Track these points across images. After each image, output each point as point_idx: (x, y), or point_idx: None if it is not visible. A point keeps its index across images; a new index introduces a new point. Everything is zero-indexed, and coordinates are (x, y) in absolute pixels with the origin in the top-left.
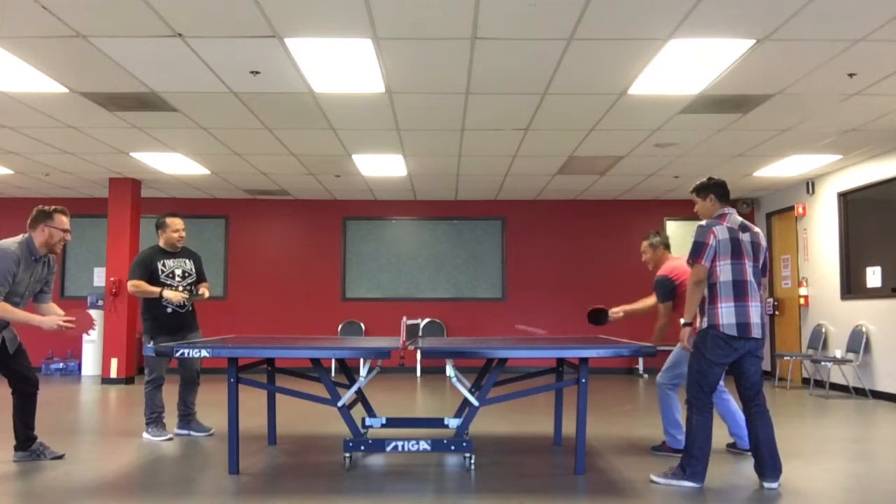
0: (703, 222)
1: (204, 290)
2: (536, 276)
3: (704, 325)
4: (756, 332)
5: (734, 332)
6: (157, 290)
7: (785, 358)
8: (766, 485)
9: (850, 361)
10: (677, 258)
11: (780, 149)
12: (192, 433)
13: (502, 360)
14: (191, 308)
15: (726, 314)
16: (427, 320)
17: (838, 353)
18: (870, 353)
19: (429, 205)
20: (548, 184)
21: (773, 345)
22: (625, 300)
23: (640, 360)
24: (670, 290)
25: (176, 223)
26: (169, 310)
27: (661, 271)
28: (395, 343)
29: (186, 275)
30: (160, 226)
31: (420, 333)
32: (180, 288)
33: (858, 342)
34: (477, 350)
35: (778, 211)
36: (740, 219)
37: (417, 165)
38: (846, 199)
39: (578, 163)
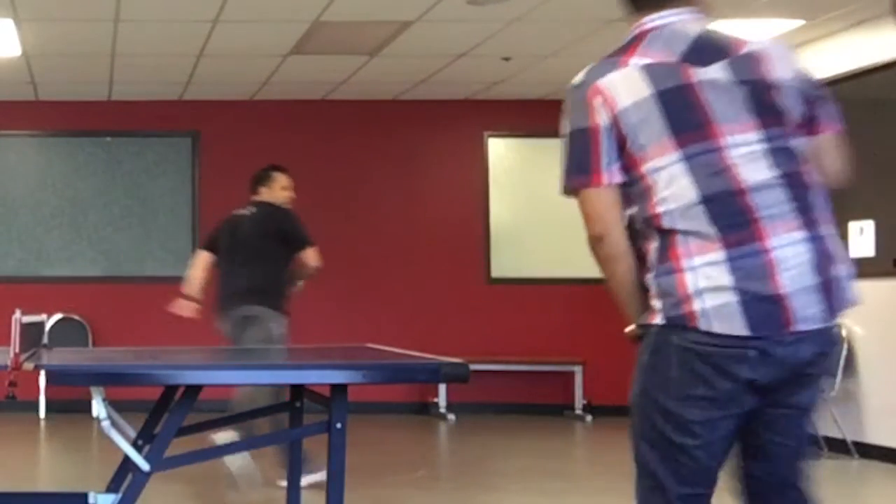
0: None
1: None
2: None
3: (649, 320)
4: (805, 315)
5: (737, 326)
6: None
7: None
8: None
9: None
10: None
11: None
12: None
13: (193, 389)
14: None
15: (706, 282)
16: (58, 317)
17: None
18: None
19: (61, 109)
20: (275, 71)
21: None
22: (420, 270)
23: (442, 390)
24: None
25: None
26: None
27: None
28: None
29: None
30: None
31: (45, 340)
32: None
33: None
34: (147, 371)
35: None
36: (696, 26)
37: (41, 38)
38: None
39: (330, 32)
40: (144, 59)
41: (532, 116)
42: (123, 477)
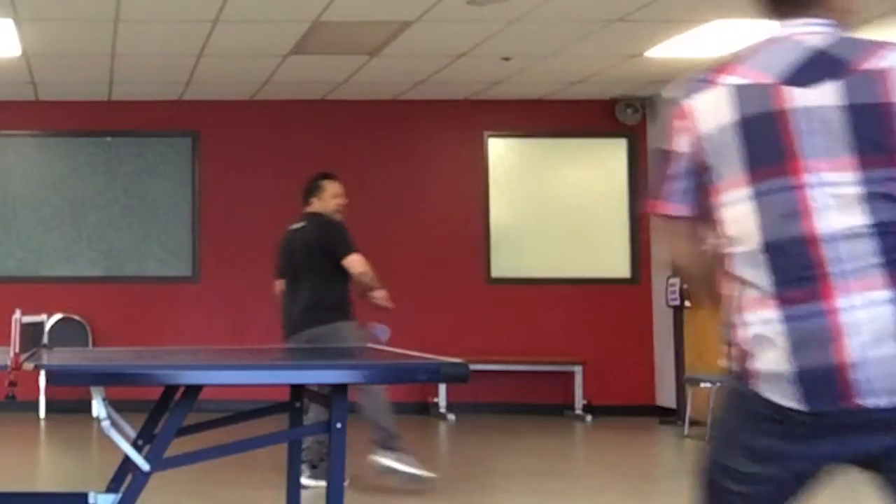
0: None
1: None
2: (254, 237)
3: (732, 368)
4: (878, 388)
5: (790, 398)
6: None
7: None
8: None
9: None
10: None
11: (690, 7)
12: None
13: (193, 390)
14: None
15: (758, 342)
16: (58, 317)
17: None
18: None
19: (61, 109)
20: (275, 71)
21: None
22: (420, 270)
23: (442, 390)
24: None
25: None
26: None
27: None
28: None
29: None
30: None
31: (45, 340)
32: None
33: None
34: (147, 371)
35: None
36: (819, 38)
37: (41, 38)
38: None
39: (330, 32)
40: (144, 59)
41: (532, 116)
42: (123, 477)
